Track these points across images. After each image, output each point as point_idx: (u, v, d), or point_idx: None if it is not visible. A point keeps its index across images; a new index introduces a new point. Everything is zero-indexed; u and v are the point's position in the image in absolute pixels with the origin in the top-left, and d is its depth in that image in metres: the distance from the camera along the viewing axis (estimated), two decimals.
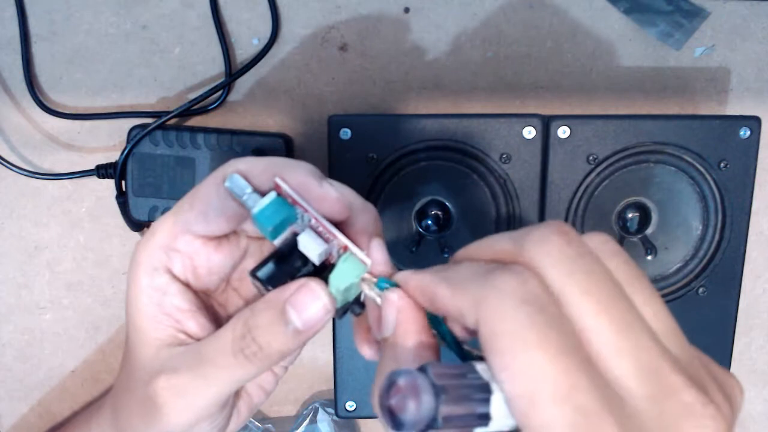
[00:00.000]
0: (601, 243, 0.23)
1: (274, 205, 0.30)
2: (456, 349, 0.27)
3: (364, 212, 0.32)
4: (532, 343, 0.20)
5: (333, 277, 0.30)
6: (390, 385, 0.21)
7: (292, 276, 0.31)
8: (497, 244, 0.24)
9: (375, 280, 0.30)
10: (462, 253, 0.26)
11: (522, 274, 0.22)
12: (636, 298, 0.22)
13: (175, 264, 0.32)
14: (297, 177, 0.31)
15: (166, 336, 0.32)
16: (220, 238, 0.33)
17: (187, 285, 0.33)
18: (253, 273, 0.30)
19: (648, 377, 0.21)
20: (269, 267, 0.30)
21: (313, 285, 0.29)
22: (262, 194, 0.31)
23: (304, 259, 0.31)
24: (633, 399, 0.20)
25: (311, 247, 0.30)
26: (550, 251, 0.22)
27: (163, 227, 0.32)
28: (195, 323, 0.33)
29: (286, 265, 0.31)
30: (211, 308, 0.35)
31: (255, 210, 0.30)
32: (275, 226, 0.30)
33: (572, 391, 0.20)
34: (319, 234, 0.31)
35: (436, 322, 0.27)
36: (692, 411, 0.21)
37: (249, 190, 0.31)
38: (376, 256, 0.30)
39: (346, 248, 0.31)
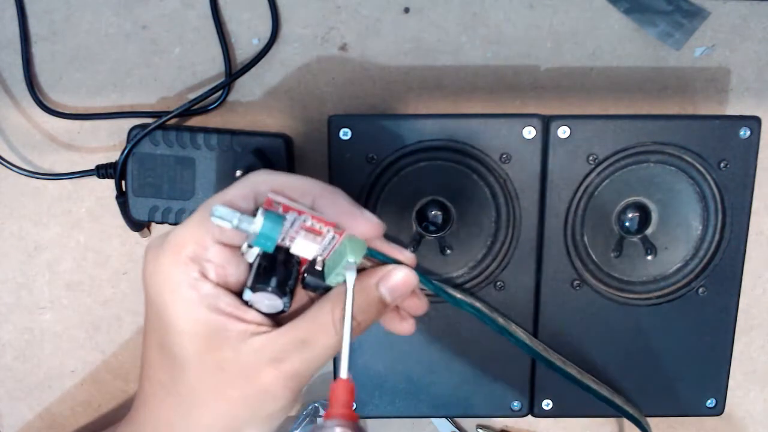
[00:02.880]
0: None
1: (270, 220, 0.32)
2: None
3: (334, 194, 0.34)
4: None
5: (349, 254, 0.33)
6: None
7: (289, 275, 0.34)
8: None
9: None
10: None
11: None
12: None
13: (209, 273, 0.33)
14: (339, 205, 0.34)
15: (238, 333, 0.33)
16: None
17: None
18: (258, 288, 0.33)
19: None
20: (272, 278, 0.33)
21: (396, 266, 0.35)
22: (251, 213, 0.32)
23: (288, 257, 0.34)
24: None
25: (308, 248, 0.34)
26: None
27: (190, 238, 0.33)
28: (253, 312, 0.34)
29: (281, 269, 0.34)
30: None
31: (259, 229, 0.32)
32: (278, 237, 0.32)
33: None
34: (311, 231, 0.33)
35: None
36: None
37: (238, 214, 0.32)
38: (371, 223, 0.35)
39: (341, 234, 0.34)
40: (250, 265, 0.34)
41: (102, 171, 0.49)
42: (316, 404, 0.53)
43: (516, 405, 0.48)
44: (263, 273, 0.33)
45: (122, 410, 0.54)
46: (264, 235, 0.32)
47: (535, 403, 0.48)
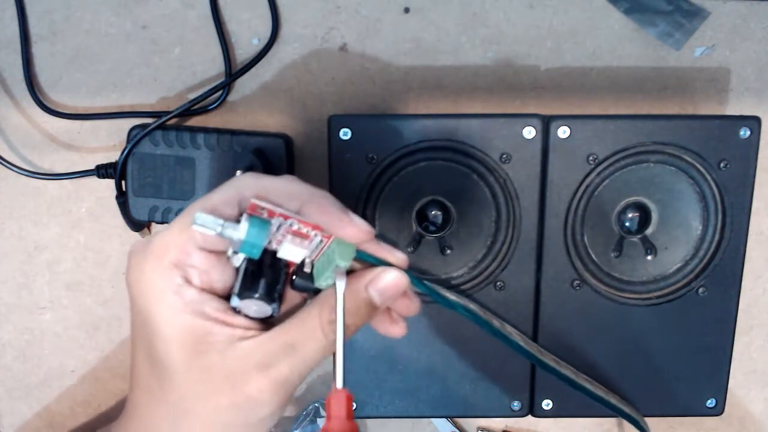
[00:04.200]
0: None
1: (255, 226, 0.31)
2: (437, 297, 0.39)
3: (322, 199, 0.34)
4: None
5: (338, 259, 0.32)
6: None
7: (277, 280, 0.34)
8: None
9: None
10: None
11: None
12: None
13: (193, 278, 0.33)
14: (327, 210, 0.33)
15: (224, 338, 0.32)
16: None
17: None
18: (246, 296, 0.33)
19: None
20: (259, 284, 0.33)
21: (385, 268, 0.34)
22: (235, 218, 0.32)
23: (275, 261, 0.33)
24: None
25: (296, 252, 0.33)
26: None
27: (173, 244, 0.32)
28: (240, 317, 0.33)
29: (269, 274, 0.33)
30: None
31: (244, 237, 0.31)
32: (263, 244, 0.32)
33: None
34: (298, 235, 0.33)
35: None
36: None
37: (221, 221, 0.31)
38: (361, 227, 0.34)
39: (329, 237, 0.33)
40: (237, 269, 0.33)
41: (102, 171, 0.49)
42: (316, 404, 0.53)
43: (516, 405, 0.48)
44: (250, 279, 0.33)
45: (121, 410, 0.54)
46: (249, 242, 0.31)
47: (535, 403, 0.48)
